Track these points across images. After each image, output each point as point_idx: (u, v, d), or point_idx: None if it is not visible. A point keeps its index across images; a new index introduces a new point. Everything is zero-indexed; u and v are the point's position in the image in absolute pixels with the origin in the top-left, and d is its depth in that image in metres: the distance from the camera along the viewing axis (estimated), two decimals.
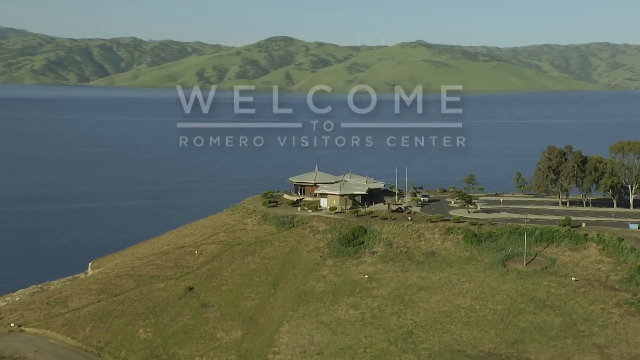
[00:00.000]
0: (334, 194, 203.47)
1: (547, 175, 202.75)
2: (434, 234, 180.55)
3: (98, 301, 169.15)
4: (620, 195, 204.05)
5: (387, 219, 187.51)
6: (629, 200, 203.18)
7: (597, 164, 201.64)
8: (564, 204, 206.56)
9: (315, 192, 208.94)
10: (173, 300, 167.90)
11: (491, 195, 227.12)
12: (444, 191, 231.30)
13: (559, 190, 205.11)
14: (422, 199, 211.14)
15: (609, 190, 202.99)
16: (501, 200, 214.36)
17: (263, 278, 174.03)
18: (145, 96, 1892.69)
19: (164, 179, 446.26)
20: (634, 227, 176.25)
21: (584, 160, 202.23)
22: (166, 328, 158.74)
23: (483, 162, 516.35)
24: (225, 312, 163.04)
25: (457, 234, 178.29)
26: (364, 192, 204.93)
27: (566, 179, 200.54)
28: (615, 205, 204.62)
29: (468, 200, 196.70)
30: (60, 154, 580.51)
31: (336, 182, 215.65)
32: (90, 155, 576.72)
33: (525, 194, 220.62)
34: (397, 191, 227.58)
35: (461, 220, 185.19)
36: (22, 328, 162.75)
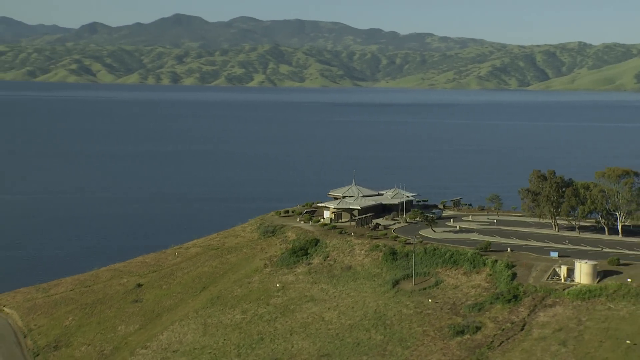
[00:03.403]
0: (332, 208, 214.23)
1: (527, 199, 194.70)
2: (363, 250, 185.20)
3: (71, 290, 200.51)
4: (609, 222, 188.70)
5: (342, 232, 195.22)
6: (617, 228, 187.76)
7: (581, 190, 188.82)
8: (558, 227, 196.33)
9: (318, 204, 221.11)
10: (118, 294, 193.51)
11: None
12: (483, 209, 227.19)
13: (539, 214, 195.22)
14: (430, 215, 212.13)
15: (587, 216, 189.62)
16: (495, 220, 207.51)
17: (203, 280, 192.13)
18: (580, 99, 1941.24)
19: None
20: (554, 255, 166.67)
21: (563, 186, 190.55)
22: (88, 318, 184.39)
23: None
24: (144, 308, 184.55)
25: (380, 251, 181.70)
26: (358, 207, 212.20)
27: (543, 204, 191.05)
28: (606, 232, 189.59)
29: (429, 220, 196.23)
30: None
31: (374, 195, 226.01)
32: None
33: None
34: (442, 207, 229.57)
35: (397, 238, 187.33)
36: (2, 308, 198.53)
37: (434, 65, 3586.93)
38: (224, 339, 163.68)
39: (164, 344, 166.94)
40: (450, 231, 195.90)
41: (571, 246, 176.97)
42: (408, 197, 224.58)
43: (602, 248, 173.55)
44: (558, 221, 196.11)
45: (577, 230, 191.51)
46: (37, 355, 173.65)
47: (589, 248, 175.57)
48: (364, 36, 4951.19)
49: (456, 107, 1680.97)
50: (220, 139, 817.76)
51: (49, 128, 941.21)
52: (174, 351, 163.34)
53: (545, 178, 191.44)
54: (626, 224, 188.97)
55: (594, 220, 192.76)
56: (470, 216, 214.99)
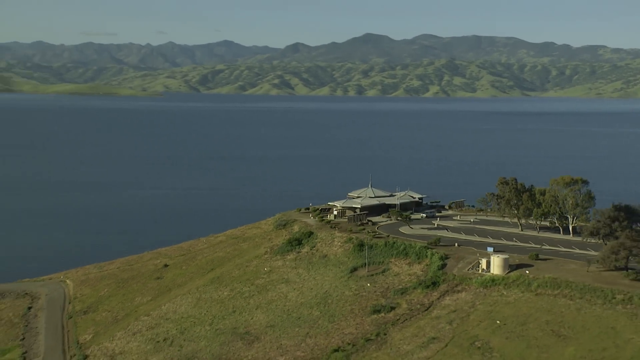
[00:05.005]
0: (338, 206, 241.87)
1: (493, 202, 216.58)
2: (340, 242, 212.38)
3: (118, 267, 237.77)
4: (563, 224, 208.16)
5: (332, 227, 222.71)
6: (569, 228, 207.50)
7: (538, 195, 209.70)
8: (522, 227, 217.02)
9: (328, 204, 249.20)
10: (148, 272, 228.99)
11: None
12: (480, 210, 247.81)
13: (502, 215, 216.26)
14: (422, 215, 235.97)
15: (543, 218, 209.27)
16: (472, 220, 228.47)
17: (214, 263, 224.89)
18: None
19: None
20: (490, 249, 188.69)
21: (522, 191, 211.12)
22: (119, 290, 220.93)
23: None
24: (161, 284, 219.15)
25: (352, 243, 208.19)
26: (359, 206, 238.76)
27: (504, 206, 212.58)
28: (561, 232, 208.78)
29: (404, 219, 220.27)
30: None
31: (385, 196, 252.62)
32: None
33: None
34: (447, 207, 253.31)
35: (369, 232, 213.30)
36: (65, 280, 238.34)
37: (603, 75, 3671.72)
38: (206, 311, 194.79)
39: (162, 312, 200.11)
40: (425, 228, 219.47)
41: (518, 243, 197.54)
42: (413, 198, 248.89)
43: (542, 245, 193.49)
44: (530, 222, 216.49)
45: (537, 230, 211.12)
46: (70, 317, 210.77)
47: (532, 245, 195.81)
48: (537, 49, 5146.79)
49: (609, 116, 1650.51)
50: (360, 145, 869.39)
51: (237, 135, 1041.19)
52: (166, 319, 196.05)
53: (507, 183, 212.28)
54: (580, 224, 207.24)
55: (549, 221, 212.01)
56: (459, 216, 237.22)
